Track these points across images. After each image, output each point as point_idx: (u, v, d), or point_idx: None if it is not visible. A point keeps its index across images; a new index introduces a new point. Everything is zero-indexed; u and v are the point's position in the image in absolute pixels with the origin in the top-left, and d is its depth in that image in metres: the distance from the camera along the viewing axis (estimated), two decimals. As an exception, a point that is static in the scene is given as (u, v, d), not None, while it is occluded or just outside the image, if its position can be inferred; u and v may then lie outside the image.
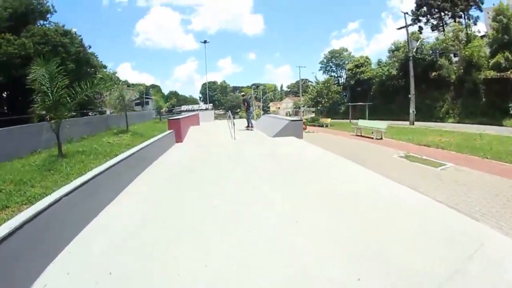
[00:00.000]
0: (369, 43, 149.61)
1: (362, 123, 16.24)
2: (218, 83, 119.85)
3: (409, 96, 28.32)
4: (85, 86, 8.40)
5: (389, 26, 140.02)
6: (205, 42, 44.44)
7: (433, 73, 37.82)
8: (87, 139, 11.94)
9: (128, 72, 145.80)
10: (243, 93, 20.01)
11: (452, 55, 38.27)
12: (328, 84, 36.57)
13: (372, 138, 14.27)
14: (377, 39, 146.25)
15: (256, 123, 17.32)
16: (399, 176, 6.73)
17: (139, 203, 4.58)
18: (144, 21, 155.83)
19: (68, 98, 7.82)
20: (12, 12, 23.93)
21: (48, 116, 7.56)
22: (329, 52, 66.77)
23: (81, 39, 27.29)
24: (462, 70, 34.65)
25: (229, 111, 18.97)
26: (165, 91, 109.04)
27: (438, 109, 36.03)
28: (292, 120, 11.59)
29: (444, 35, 42.13)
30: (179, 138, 11.52)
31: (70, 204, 3.54)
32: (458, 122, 31.28)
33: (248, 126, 14.44)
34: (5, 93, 25.47)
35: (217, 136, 12.79)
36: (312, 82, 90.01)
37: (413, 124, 26.56)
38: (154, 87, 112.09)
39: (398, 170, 7.65)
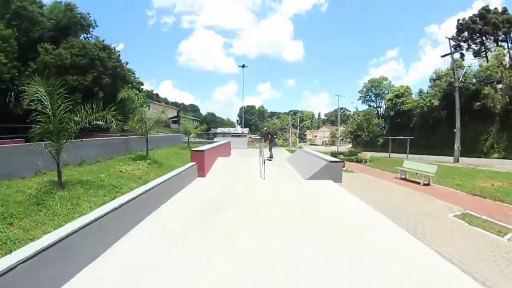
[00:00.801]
0: (408, 71, 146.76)
1: (407, 165, 14.90)
2: (256, 108, 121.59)
3: (454, 130, 26.11)
4: (91, 110, 7.67)
5: (428, 53, 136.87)
6: (243, 66, 45.39)
7: (477, 103, 35.46)
8: (101, 163, 11.17)
9: (169, 89, 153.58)
10: (266, 128, 22.24)
11: (495, 83, 35.48)
12: (369, 117, 34.70)
13: (419, 183, 12.96)
14: (416, 67, 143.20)
15: (290, 157, 16.77)
16: (469, 258, 5.41)
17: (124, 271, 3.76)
18: (187, 41, 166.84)
19: (71, 123, 7.15)
20: (55, 23, 25.37)
21: (45, 143, 7.01)
22: (368, 81, 65.64)
23: (119, 55, 28.48)
24: (508, 99, 32.22)
25: (261, 143, 18.26)
26: (203, 111, 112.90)
27: (482, 143, 33.59)
28: (331, 162, 10.56)
29: (487, 61, 40.02)
30: (202, 172, 10.96)
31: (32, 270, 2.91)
32: (504, 158, 28.89)
33: (270, 157, 15.78)
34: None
35: (245, 172, 12.11)
36: (350, 111, 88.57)
37: (458, 161, 24.37)
38: (193, 106, 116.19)
39: (462, 243, 6.30)
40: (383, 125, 49.71)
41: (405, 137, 31.94)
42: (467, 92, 36.27)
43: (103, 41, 27.39)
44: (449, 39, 28.96)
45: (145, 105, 13.32)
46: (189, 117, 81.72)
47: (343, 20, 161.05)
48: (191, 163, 10.78)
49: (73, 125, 7.22)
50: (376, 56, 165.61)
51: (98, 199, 6.62)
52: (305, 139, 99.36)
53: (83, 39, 27.58)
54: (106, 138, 15.77)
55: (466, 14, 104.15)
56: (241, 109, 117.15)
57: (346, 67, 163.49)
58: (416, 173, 13.92)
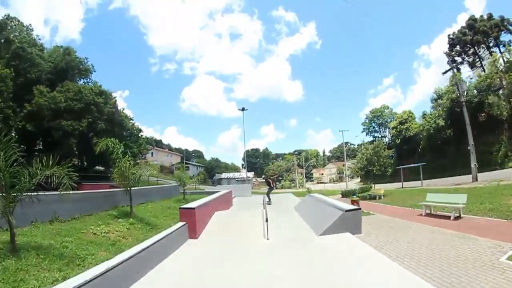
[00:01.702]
0: (406, 96, 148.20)
1: (431, 197, 13.20)
2: (261, 150, 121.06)
3: (468, 148, 24.38)
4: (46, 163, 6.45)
5: (422, 75, 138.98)
6: (243, 109, 44.95)
7: (482, 114, 34.31)
8: (76, 221, 9.56)
9: (173, 136, 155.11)
10: (263, 176, 24.24)
11: (497, 89, 34.54)
12: (378, 149, 32.92)
13: (448, 217, 11.26)
14: (414, 90, 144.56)
15: (298, 205, 15.17)
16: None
17: None
18: (189, 88, 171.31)
19: (24, 177, 5.92)
20: (53, 66, 25.13)
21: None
22: (370, 111, 65.58)
23: (115, 100, 28.14)
24: None
25: (265, 195, 17.17)
26: (208, 157, 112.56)
27: (495, 154, 31.81)
28: (347, 211, 8.93)
29: (484, 70, 39.26)
30: (193, 233, 9.27)
31: None
32: None
33: (269, 201, 16.54)
34: (39, 143, 26.29)
35: (246, 231, 10.18)
36: (354, 145, 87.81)
37: (477, 179, 22.44)
38: (197, 152, 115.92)
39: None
40: (390, 155, 48.46)
41: (417, 164, 30.21)
42: (471, 105, 35.45)
43: (100, 86, 27.39)
44: (446, 54, 28.50)
45: (127, 156, 11.89)
46: (193, 163, 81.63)
47: (337, 55, 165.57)
48: (180, 223, 9.26)
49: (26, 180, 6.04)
50: (373, 86, 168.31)
51: (50, 276, 5.16)
52: (312, 178, 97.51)
53: (83, 83, 27.63)
54: (88, 191, 14.26)
55: (453, 29, 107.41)
56: (244, 152, 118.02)
57: (346, 101, 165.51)
58: (444, 208, 12.27)
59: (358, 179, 67.04)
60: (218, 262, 7.08)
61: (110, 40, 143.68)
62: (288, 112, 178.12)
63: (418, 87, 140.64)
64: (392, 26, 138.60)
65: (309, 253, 7.38)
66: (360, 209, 10.06)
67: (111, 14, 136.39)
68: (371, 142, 48.64)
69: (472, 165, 23.13)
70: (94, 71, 30.05)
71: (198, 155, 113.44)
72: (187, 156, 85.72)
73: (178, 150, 79.22)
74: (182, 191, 21.48)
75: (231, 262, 6.99)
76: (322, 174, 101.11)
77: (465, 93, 29.22)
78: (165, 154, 77.00)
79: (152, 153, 69.74)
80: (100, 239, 8.23)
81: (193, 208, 9.76)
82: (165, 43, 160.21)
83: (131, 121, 31.06)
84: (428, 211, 12.65)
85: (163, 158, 72.72)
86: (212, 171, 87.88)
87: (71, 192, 7.01)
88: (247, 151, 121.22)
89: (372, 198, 22.67)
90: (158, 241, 7.18)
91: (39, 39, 27.90)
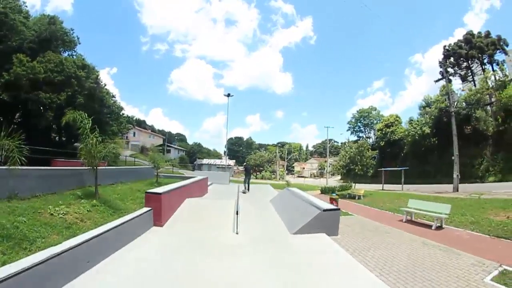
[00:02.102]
0: (394, 101, 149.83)
1: (414, 204, 12.64)
2: (244, 139, 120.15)
3: (452, 158, 24.11)
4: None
5: (413, 82, 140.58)
6: (228, 95, 43.31)
7: (468, 127, 34.67)
8: (36, 199, 8.67)
9: (159, 117, 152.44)
10: (245, 164, 21.75)
11: (486, 105, 35.45)
12: (362, 149, 31.61)
13: (429, 226, 10.76)
14: (402, 96, 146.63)
15: (275, 198, 14.40)
16: None
17: None
18: (179, 70, 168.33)
19: None
20: (36, 34, 23.57)
21: None
22: (357, 111, 65.56)
23: (98, 75, 26.71)
24: (500, 120, 31.96)
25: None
26: (191, 141, 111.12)
27: (477, 167, 32.30)
28: (325, 210, 8.21)
29: (475, 85, 39.65)
30: (158, 220, 8.49)
31: None
32: (501, 180, 27.50)
33: (245, 190, 17.44)
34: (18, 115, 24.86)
35: (215, 222, 9.24)
36: (338, 143, 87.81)
37: (457, 190, 22.39)
38: (180, 135, 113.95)
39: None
40: (373, 156, 48.69)
41: (400, 168, 30.06)
42: (459, 117, 35.82)
43: (83, 59, 25.99)
44: (441, 63, 28.11)
45: (95, 133, 10.76)
46: (174, 147, 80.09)
47: (331, 52, 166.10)
48: (145, 209, 8.40)
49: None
50: (363, 87, 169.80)
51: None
52: (293, 171, 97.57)
53: (67, 56, 26.09)
54: (54, 168, 13.21)
55: (448, 41, 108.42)
56: (230, 140, 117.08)
57: (334, 99, 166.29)
58: (425, 216, 11.77)
59: (339, 177, 67.21)
60: (179, 254, 6.38)
61: (102, 14, 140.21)
62: (275, 104, 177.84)
63: (407, 93, 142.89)
64: (389, 31, 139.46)
65: (278, 251, 6.70)
66: (339, 209, 9.37)
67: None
68: (355, 141, 48.28)
69: (455, 175, 22.95)
70: (79, 43, 28.35)
71: (181, 138, 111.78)
72: (169, 139, 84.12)
73: (161, 132, 77.27)
74: (156, 174, 20.31)
75: (194, 255, 6.27)
76: (303, 168, 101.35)
77: (455, 104, 28.99)
78: (148, 135, 74.98)
79: (134, 133, 68.15)
80: (56, 220, 7.38)
81: (160, 194, 8.88)
82: (158, 22, 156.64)
83: (113, 98, 29.52)
84: (409, 218, 12.17)
85: (145, 139, 70.87)
86: (194, 156, 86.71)
87: (30, 168, 6.18)
88: (231, 138, 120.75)
89: (352, 197, 22.27)
90: (116, 226, 6.41)
91: (26, 6, 25.80)
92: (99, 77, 26.77)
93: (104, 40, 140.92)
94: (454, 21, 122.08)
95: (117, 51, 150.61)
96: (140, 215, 7.84)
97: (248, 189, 17.66)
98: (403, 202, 15.28)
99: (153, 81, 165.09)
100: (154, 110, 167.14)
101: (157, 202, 8.67)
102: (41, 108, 21.73)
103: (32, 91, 20.65)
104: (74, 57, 26.80)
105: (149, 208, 8.46)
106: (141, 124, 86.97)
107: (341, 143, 74.66)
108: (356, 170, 29.26)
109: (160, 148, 68.36)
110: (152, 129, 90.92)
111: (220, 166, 67.23)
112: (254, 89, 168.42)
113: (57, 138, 27.95)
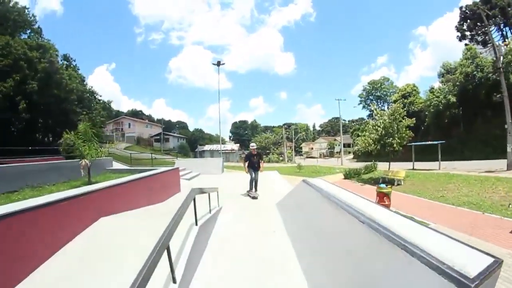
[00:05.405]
0: (400, 76, 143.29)
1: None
2: (249, 123, 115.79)
3: (506, 126, 19.41)
4: None
5: (418, 57, 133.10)
6: (218, 64, 35.84)
7: (498, 95, 29.76)
8: None
9: (162, 108, 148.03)
10: (251, 147, 10.74)
11: None
12: (398, 115, 22.06)
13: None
14: (408, 71, 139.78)
15: (284, 203, 7.19)
16: None
17: None
18: (176, 58, 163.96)
19: None
20: None
21: None
22: (368, 83, 60.15)
23: (57, 55, 22.54)
24: None
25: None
26: (196, 128, 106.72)
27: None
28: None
29: (495, 50, 33.96)
30: None
31: None
32: None
33: (250, 190, 9.92)
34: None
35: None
36: (345, 121, 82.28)
37: (512, 167, 17.82)
38: (181, 123, 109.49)
39: None
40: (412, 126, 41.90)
41: (436, 142, 24.94)
42: (487, 83, 30.75)
43: (42, 40, 22.04)
44: (479, 7, 22.99)
45: None
46: (173, 134, 75.64)
47: (332, 29, 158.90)
48: None
49: None
50: (367, 63, 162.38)
51: None
52: (301, 152, 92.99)
53: (28, 38, 22.36)
54: None
55: (453, 14, 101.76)
56: (234, 124, 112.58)
57: (337, 77, 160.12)
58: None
59: (350, 156, 62.29)
60: None
61: (92, 10, 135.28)
62: (278, 85, 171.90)
63: (412, 67, 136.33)
64: (391, 4, 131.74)
65: None
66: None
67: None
68: (370, 115, 43.13)
69: (509, 149, 18.12)
70: (36, 22, 24.63)
71: (182, 126, 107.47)
72: (169, 127, 79.70)
73: (160, 121, 72.84)
74: (87, 170, 10.92)
75: None
76: (312, 148, 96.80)
77: (501, 60, 23.57)
78: (144, 125, 70.23)
79: (129, 124, 64.38)
80: None
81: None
82: (150, 12, 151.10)
83: (84, 82, 24.94)
84: None
85: (142, 129, 66.43)
86: (195, 143, 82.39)
87: None
88: (235, 122, 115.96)
89: (386, 182, 15.70)
90: None
91: None
92: (55, 56, 22.46)
93: (98, 37, 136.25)
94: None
95: (112, 46, 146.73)
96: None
97: (256, 188, 10.03)
98: (454, 187, 10.87)
99: (152, 72, 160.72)
100: (157, 101, 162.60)
101: None
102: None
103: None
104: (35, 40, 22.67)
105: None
106: (137, 114, 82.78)
107: (349, 121, 68.73)
108: (394, 145, 20.63)
109: (158, 137, 64.29)
110: (149, 118, 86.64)
111: (223, 151, 63.21)
112: (255, 72, 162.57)
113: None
